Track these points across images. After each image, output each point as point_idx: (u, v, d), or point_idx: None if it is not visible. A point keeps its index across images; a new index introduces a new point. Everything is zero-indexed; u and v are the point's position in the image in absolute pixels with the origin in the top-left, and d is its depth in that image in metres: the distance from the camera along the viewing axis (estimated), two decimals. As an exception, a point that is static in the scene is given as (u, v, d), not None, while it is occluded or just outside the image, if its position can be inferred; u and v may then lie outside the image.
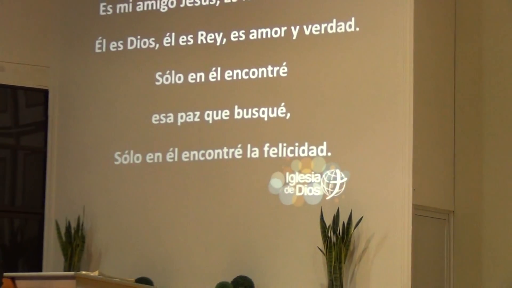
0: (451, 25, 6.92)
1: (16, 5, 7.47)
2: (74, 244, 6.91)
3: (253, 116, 6.75)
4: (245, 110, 6.77)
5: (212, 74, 6.91)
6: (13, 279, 4.54)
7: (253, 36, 6.79)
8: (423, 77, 6.25)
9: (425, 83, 6.29)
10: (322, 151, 6.35)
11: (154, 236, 6.99)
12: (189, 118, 7.02)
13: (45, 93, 7.47)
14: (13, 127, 7.84)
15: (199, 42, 7.04)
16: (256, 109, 6.69)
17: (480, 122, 6.80)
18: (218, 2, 7.00)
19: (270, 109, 6.62)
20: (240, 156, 6.75)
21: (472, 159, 6.84)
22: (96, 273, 4.69)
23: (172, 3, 7.19)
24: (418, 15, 6.18)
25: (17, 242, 7.78)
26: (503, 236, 6.48)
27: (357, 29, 6.27)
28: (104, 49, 7.43)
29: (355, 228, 5.98)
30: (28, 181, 7.80)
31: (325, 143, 6.32)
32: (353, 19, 6.29)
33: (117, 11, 7.37)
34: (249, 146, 6.71)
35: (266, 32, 6.75)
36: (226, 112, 6.82)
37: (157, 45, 7.21)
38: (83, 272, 4.86)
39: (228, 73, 6.82)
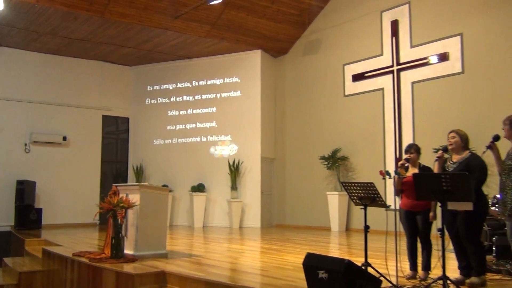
0: (274, 93, 13.69)
1: (117, 85, 13.86)
2: (139, 173, 13.72)
3: (204, 126, 13.49)
4: (202, 124, 13.49)
5: (189, 111, 13.71)
6: (116, 186, 7.04)
7: (204, 97, 13.64)
8: (264, 110, 12.96)
9: (264, 113, 13.02)
10: (229, 138, 13.22)
11: (173, 165, 13.64)
12: (186, 127, 13.66)
13: (127, 119, 14.17)
14: (115, 131, 14.39)
15: (184, 99, 13.85)
16: (205, 123, 13.52)
17: (284, 125, 13.34)
18: (190, 85, 13.80)
19: (209, 123, 13.48)
20: (202, 140, 13.55)
21: (281, 137, 13.38)
22: (146, 184, 6.89)
23: (175, 85, 13.89)
24: (262, 90, 12.93)
25: (118, 172, 14.19)
26: (291, 168, 13.03)
27: (241, 94, 13.30)
28: (150, 103, 14.24)
29: (240, 165, 12.91)
30: (121, 151, 14.19)
31: (230, 135, 13.29)
32: (239, 91, 13.34)
33: (154, 88, 14.18)
34: (203, 137, 13.55)
35: (209, 96, 13.55)
36: (196, 124, 13.56)
37: (168, 101, 13.99)
38: (141, 183, 7.09)
39: (196, 110, 13.69)
